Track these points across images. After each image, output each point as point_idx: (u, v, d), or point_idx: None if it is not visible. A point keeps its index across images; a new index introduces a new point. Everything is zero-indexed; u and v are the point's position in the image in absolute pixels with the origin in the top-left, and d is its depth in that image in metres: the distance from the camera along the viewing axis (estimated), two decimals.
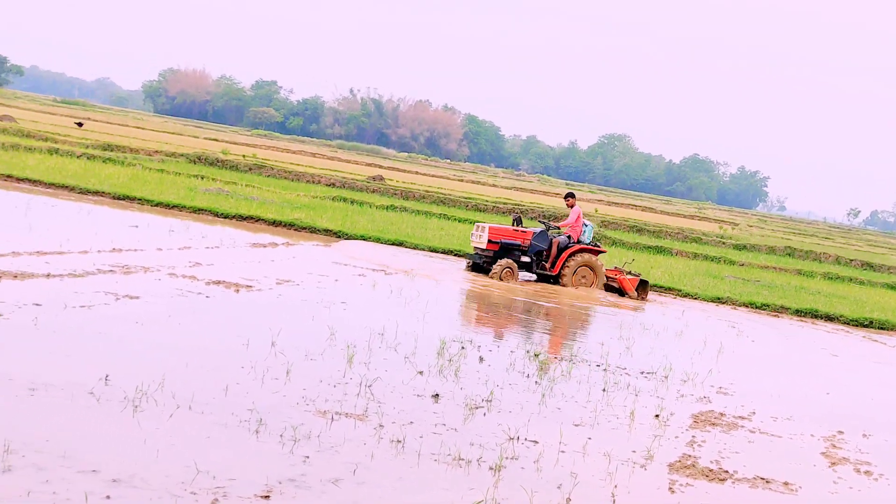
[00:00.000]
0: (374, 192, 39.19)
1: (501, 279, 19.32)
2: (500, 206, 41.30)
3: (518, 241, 20.14)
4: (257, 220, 23.09)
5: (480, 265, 20.12)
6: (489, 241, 19.85)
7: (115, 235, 16.34)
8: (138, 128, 69.97)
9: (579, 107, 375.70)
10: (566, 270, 20.15)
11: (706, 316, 19.00)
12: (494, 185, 70.01)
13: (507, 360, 11.08)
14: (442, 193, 42.46)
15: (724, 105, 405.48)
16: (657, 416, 9.37)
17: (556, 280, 20.27)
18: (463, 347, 11.39)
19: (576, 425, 8.57)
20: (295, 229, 22.83)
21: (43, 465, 5.71)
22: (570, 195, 21.44)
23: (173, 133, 71.53)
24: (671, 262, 29.52)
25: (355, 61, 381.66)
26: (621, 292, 20.34)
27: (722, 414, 9.99)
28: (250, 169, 40.36)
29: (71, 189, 23.41)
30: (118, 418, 6.80)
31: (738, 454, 8.45)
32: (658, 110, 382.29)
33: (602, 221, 40.83)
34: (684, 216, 64.39)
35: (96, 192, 23.39)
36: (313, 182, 39.93)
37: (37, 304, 9.90)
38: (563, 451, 7.66)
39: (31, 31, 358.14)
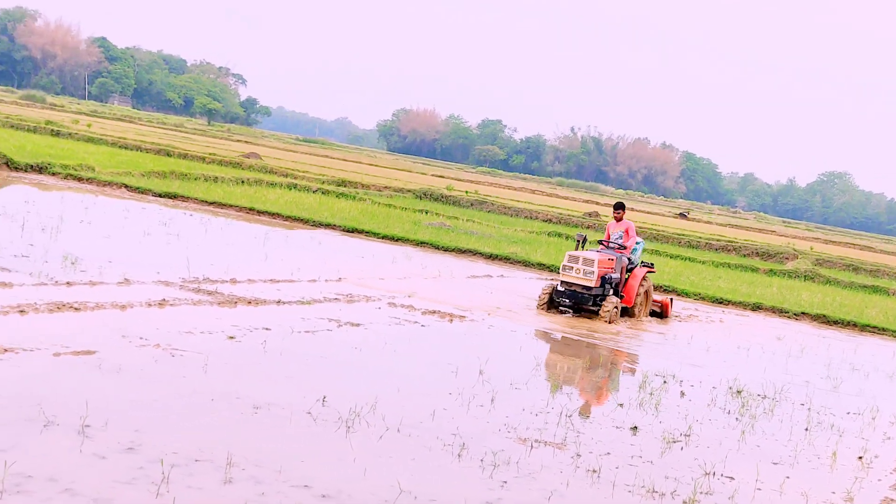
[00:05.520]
0: (588, 227, 39.34)
1: (611, 322, 16.09)
2: (713, 242, 40.91)
3: (613, 272, 16.68)
4: (475, 253, 23.71)
5: (559, 303, 16.32)
6: (599, 278, 16.20)
7: (341, 266, 17.26)
8: (371, 164, 72.72)
9: (798, 144, 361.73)
10: (639, 299, 17.22)
11: None
12: (709, 223, 68.72)
13: (708, 395, 11.13)
14: (655, 230, 42.24)
15: None
16: (860, 457, 9.23)
17: (626, 312, 17.12)
18: (665, 381, 11.50)
19: (774, 463, 8.56)
20: (510, 263, 23.31)
21: (260, 478, 6.19)
22: (620, 206, 17.88)
23: (403, 170, 74.18)
24: (887, 302, 28.30)
25: (576, 101, 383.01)
26: (661, 315, 18.06)
27: None
28: (472, 204, 41.44)
29: (305, 221, 24.69)
30: (331, 437, 7.31)
31: None
32: (880, 147, 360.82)
33: (817, 259, 39.69)
34: None
35: (328, 225, 24.59)
36: (531, 218, 40.55)
37: (266, 329, 10.71)
38: (759, 489, 7.68)
39: (280, 74, 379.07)
